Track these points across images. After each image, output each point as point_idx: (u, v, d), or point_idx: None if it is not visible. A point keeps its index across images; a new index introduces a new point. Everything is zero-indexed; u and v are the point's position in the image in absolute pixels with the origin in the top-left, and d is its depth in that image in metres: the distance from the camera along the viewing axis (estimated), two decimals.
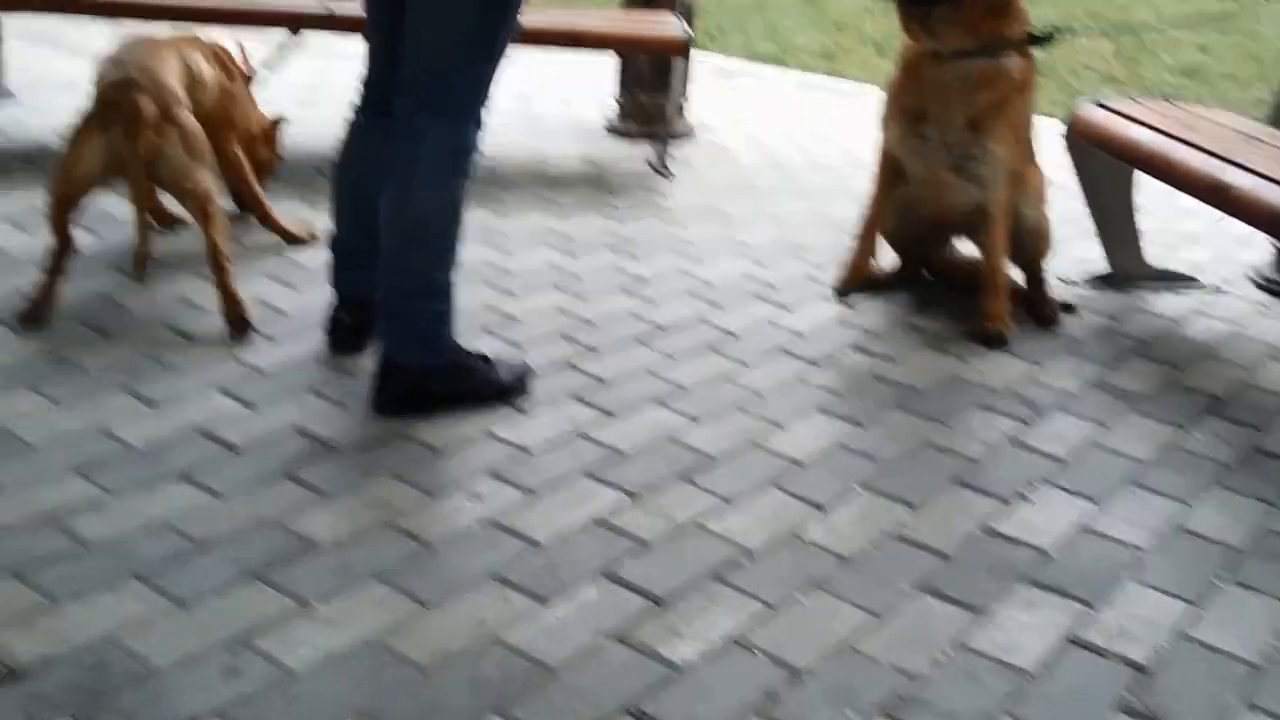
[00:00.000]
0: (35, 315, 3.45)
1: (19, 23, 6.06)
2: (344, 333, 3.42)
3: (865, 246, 4.13)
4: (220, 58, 4.06)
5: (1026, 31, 3.80)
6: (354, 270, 3.37)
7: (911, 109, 3.83)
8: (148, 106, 3.36)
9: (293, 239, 4.16)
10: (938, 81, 3.76)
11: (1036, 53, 3.87)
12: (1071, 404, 3.48)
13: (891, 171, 4.02)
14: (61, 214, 3.46)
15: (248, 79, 4.19)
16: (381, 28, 3.17)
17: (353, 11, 3.60)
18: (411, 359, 3.12)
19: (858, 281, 4.12)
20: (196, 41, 3.99)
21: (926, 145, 3.82)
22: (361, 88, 3.30)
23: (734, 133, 6.19)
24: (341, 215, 3.39)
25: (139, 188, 3.42)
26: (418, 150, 2.98)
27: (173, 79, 3.57)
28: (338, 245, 3.42)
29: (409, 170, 3.00)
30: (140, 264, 3.49)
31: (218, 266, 3.46)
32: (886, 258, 4.26)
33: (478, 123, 3.04)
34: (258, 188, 4.17)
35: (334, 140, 3.37)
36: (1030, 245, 4.02)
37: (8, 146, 4.99)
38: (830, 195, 5.25)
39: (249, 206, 4.20)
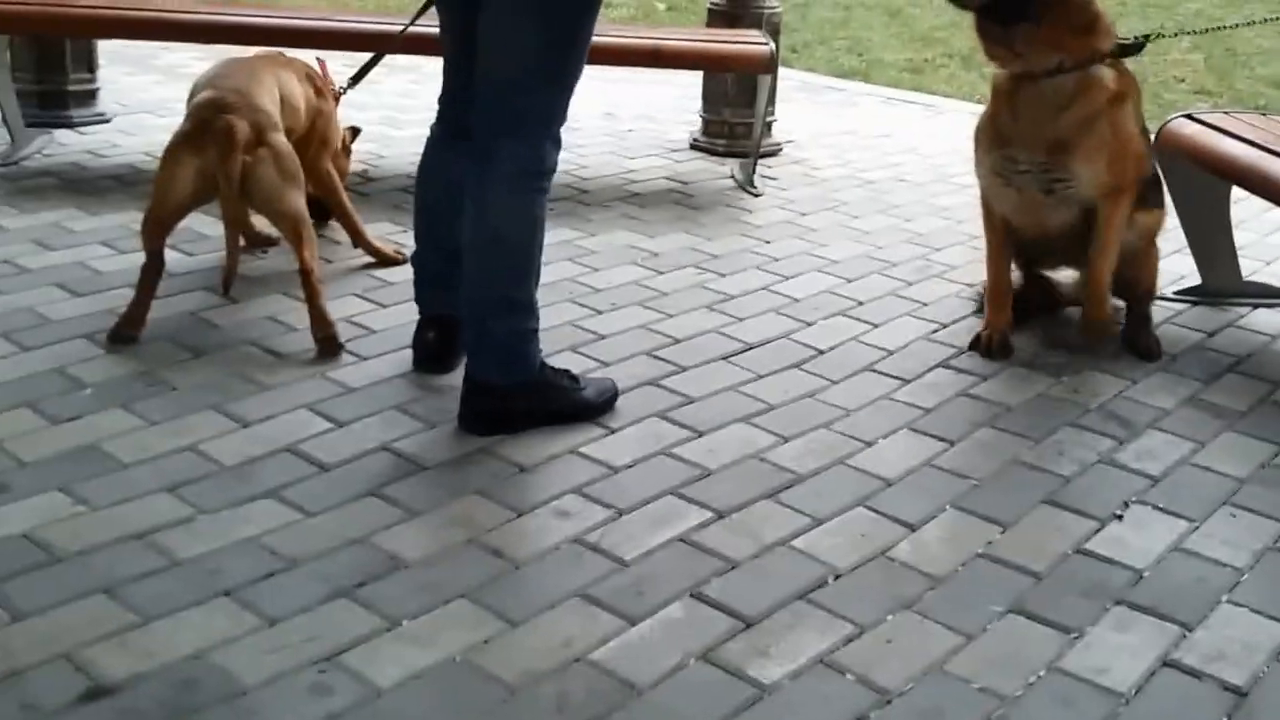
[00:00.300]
0: (126, 334, 3.50)
1: (114, 47, 6.18)
2: (430, 350, 3.43)
3: (999, 317, 3.85)
4: (311, 77, 4.11)
5: (1116, 43, 3.73)
6: (438, 288, 3.38)
7: (1001, 134, 3.76)
8: (241, 128, 3.40)
9: (383, 258, 4.18)
10: (1027, 102, 3.67)
11: (1129, 65, 3.81)
12: (1166, 422, 3.42)
13: (1000, 226, 3.86)
14: (155, 234, 3.51)
15: (336, 97, 4.23)
16: (456, 47, 3.19)
17: (426, 31, 3.60)
18: (496, 377, 3.13)
19: (1003, 343, 3.81)
20: (288, 61, 4.04)
21: (1016, 169, 3.73)
22: (440, 106, 3.33)
23: (819, 148, 6.15)
24: (423, 233, 3.41)
25: (232, 208, 3.46)
26: (494, 170, 2.99)
27: (266, 100, 3.61)
28: (421, 263, 3.44)
29: (486, 190, 3.01)
30: (229, 283, 3.54)
31: (308, 286, 3.49)
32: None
33: (555, 142, 3.05)
34: (350, 206, 4.19)
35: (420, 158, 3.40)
36: (1136, 277, 3.93)
37: (101, 167, 5.08)
38: (916, 210, 5.20)
39: (344, 227, 4.21)
